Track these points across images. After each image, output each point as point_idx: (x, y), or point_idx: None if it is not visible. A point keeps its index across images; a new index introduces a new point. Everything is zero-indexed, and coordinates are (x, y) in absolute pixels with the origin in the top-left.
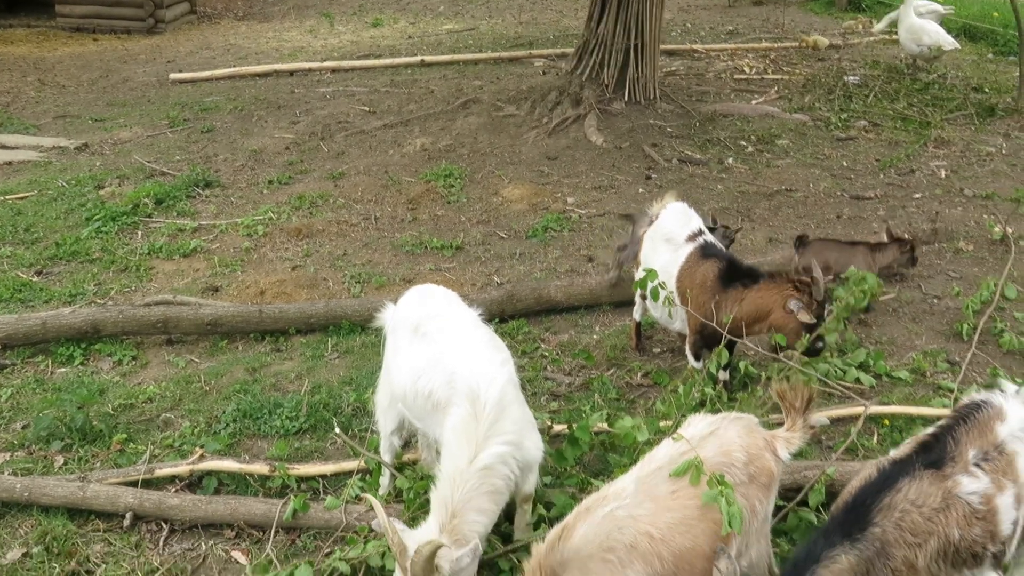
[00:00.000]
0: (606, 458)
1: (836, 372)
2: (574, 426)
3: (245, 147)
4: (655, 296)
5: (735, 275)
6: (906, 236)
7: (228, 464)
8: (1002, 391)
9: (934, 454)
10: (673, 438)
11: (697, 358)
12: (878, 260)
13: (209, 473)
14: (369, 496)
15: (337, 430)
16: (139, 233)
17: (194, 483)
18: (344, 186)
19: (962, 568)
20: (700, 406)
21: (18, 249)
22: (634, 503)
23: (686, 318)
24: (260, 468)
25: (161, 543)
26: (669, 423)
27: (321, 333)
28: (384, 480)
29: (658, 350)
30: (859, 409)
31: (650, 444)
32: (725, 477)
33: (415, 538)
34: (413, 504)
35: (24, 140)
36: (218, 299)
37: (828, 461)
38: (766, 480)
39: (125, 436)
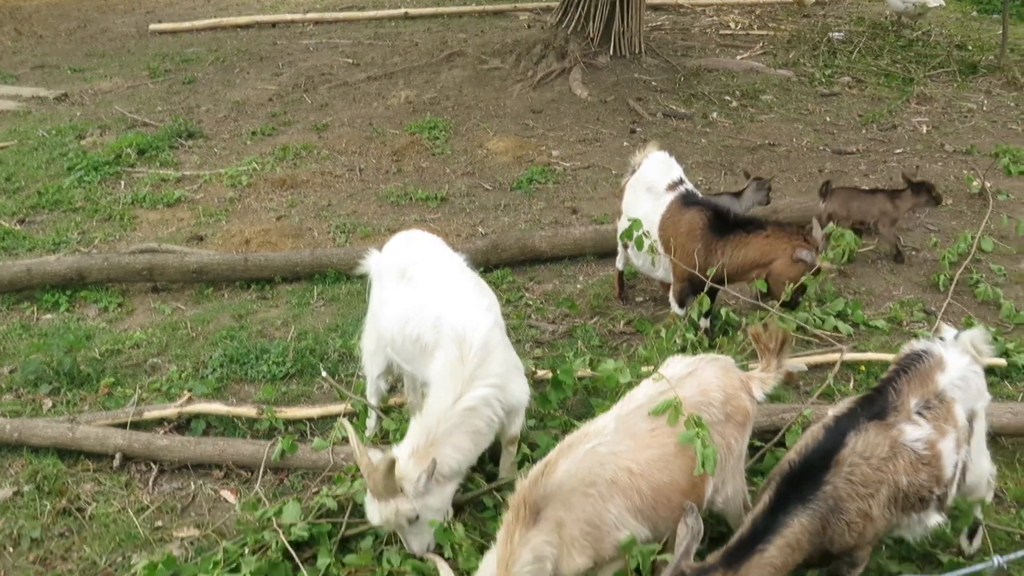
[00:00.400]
0: (589, 402)
1: (815, 321)
2: (558, 370)
3: (227, 98)
4: (639, 245)
5: (727, 222)
6: (923, 180)
7: (216, 407)
8: (942, 339)
9: (877, 406)
10: (653, 378)
11: (681, 305)
12: (899, 206)
13: (197, 416)
14: (343, 420)
15: (324, 374)
16: (122, 183)
17: (182, 425)
18: (328, 138)
19: (911, 512)
20: (682, 351)
21: None
22: (614, 440)
23: (669, 266)
24: (248, 411)
25: (151, 483)
26: (651, 368)
27: (307, 281)
28: (371, 422)
29: (641, 299)
30: (835, 356)
31: (631, 386)
32: (702, 416)
33: None
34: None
35: (2, 90)
36: (203, 248)
37: (805, 404)
38: (742, 419)
39: (113, 380)
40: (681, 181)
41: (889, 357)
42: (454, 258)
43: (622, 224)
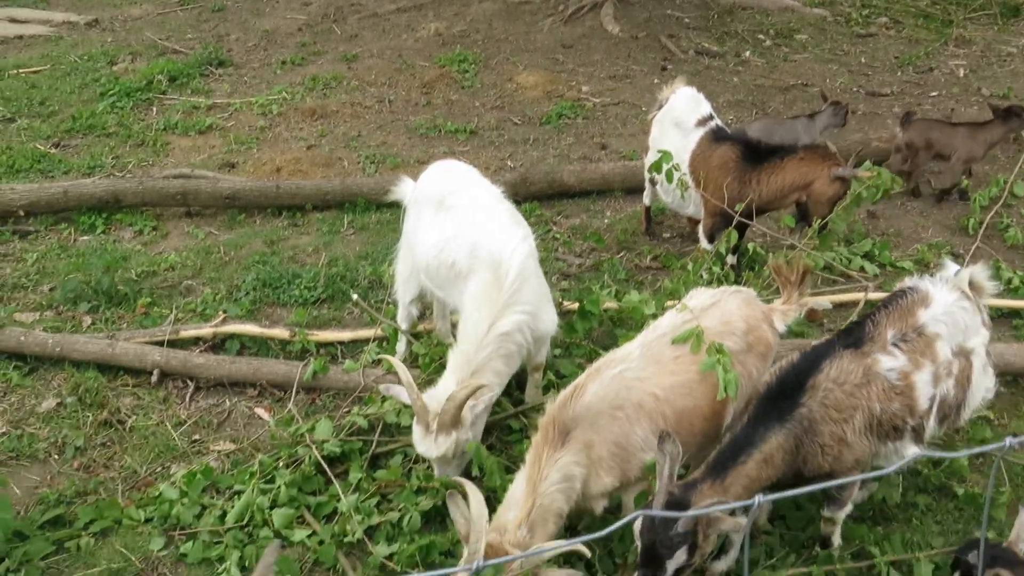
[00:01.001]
0: (613, 333)
1: (842, 260)
2: (584, 301)
3: (257, 27)
4: (669, 178)
5: (760, 153)
6: (1010, 105)
7: (250, 328)
8: (933, 275)
9: (854, 336)
10: (677, 309)
11: (711, 240)
12: (984, 139)
13: (231, 336)
14: (390, 357)
15: (355, 297)
16: (154, 109)
17: (217, 345)
18: (358, 69)
19: (886, 441)
20: (708, 285)
21: (34, 122)
22: (640, 366)
23: (700, 201)
24: (281, 333)
25: (187, 398)
26: (676, 300)
27: (337, 210)
28: (400, 346)
29: (667, 235)
30: (859, 295)
31: (656, 318)
32: (724, 346)
33: (434, 396)
34: (428, 368)
35: (34, 14)
36: (235, 175)
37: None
38: (763, 349)
39: (149, 300)
40: (711, 117)
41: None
42: (491, 188)
43: (650, 158)
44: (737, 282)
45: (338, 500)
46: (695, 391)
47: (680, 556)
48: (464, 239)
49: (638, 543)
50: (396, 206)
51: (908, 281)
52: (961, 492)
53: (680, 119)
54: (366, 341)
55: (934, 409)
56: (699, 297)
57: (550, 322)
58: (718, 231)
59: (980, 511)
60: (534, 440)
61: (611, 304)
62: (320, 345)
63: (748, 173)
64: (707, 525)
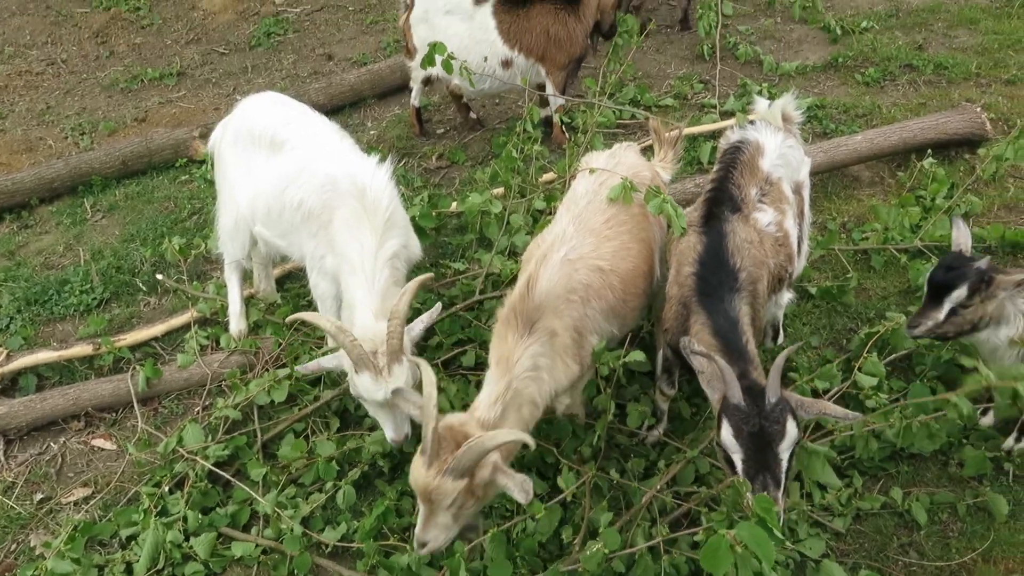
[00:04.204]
0: (438, 243)
1: (611, 113)
2: (415, 216)
3: None
4: (448, 68)
5: None
6: None
7: (43, 355)
8: (751, 121)
9: (730, 203)
10: (590, 171)
11: (564, 92)
12: None
13: (22, 372)
14: (306, 314)
15: (161, 277)
16: None
17: (7, 388)
18: (4, 31)
19: (771, 295)
20: (525, 161)
21: None
22: (579, 242)
23: (527, 69)
24: (82, 350)
25: (2, 458)
26: (500, 190)
27: (70, 196)
28: (235, 310)
29: (441, 131)
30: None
31: (500, 217)
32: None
33: (362, 335)
34: (283, 331)
35: None
36: None
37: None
38: None
39: None
40: None
41: (718, 125)
42: (321, 117)
43: (416, 61)
44: (554, 153)
45: (250, 504)
46: (632, 251)
47: (792, 432)
48: (314, 175)
49: (735, 450)
50: (142, 174)
51: (733, 135)
52: (815, 290)
53: (451, 5)
54: (182, 330)
55: (797, 248)
56: (599, 159)
57: (417, 248)
58: (571, 79)
59: (834, 299)
60: (497, 332)
61: (451, 209)
62: (133, 349)
63: (576, 10)
64: (801, 407)
